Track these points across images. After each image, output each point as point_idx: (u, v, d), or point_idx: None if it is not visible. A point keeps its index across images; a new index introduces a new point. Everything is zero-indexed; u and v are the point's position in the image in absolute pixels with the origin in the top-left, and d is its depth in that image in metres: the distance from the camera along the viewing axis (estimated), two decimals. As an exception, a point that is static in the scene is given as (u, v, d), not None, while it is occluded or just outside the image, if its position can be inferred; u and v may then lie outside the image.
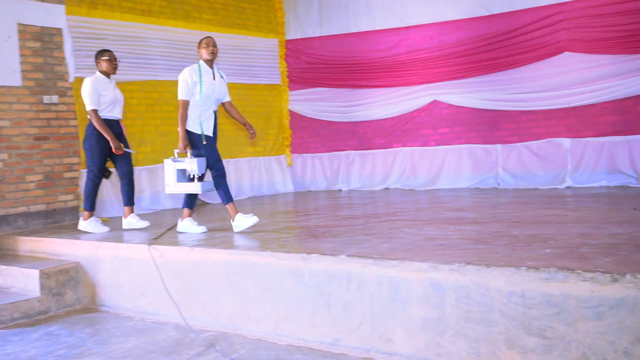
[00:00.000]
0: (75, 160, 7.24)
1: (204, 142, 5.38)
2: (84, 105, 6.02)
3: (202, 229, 5.58)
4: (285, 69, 9.94)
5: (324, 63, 9.48)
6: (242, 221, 5.36)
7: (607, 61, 7.39)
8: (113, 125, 5.97)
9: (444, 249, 3.95)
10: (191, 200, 5.65)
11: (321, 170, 9.91)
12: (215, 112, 5.52)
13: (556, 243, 3.93)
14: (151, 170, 8.07)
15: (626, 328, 2.96)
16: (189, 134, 5.40)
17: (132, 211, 6.11)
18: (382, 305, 3.78)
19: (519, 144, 8.11)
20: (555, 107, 7.80)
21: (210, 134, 5.45)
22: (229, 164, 9.09)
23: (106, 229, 6.02)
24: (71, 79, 7.13)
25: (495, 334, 3.34)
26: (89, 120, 5.89)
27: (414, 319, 3.64)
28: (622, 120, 7.43)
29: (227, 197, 5.43)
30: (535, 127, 8.00)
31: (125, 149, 6.04)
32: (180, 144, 5.35)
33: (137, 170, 7.83)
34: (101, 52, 6.00)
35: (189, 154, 5.40)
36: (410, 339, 3.65)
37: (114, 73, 6.03)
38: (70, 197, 7.21)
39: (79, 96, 6.64)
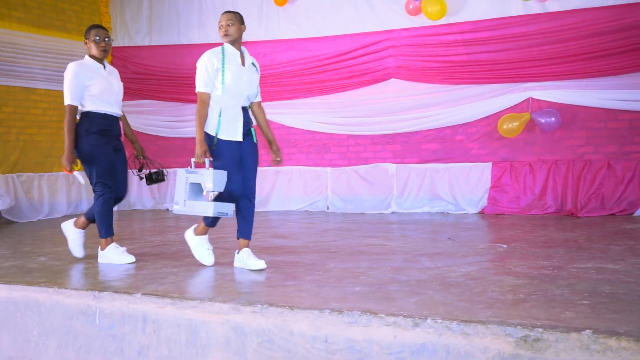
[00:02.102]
0: None
1: (213, 147, 4.11)
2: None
3: (210, 260, 4.37)
4: (111, 78, 9.24)
5: (152, 74, 8.94)
6: (250, 260, 4.22)
7: (430, 90, 7.62)
8: (108, 124, 4.47)
9: (251, 287, 3.66)
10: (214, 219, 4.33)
11: (148, 188, 9.30)
12: (245, 110, 4.22)
13: (367, 279, 3.80)
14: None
15: (425, 376, 2.83)
16: (206, 137, 4.12)
17: (111, 241, 4.68)
18: (180, 351, 3.39)
19: (347, 168, 8.12)
20: (382, 132, 7.90)
21: (238, 138, 4.14)
22: (42, 179, 8.26)
23: (131, 258, 4.59)
24: None
25: (298, 382, 3.09)
26: (78, 120, 4.50)
27: (214, 365, 3.30)
28: (442, 148, 7.68)
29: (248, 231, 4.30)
30: (363, 151, 8.05)
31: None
32: (198, 149, 4.05)
33: None
34: (88, 30, 4.53)
35: (207, 164, 4.11)
36: (208, 389, 3.31)
37: (104, 57, 4.53)
38: None
39: None
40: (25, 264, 4.65)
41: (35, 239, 6.22)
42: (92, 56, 4.52)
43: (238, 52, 4.19)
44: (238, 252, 4.30)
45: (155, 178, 4.89)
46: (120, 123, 4.61)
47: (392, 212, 7.76)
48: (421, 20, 7.53)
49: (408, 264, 4.29)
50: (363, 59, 7.87)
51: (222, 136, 4.10)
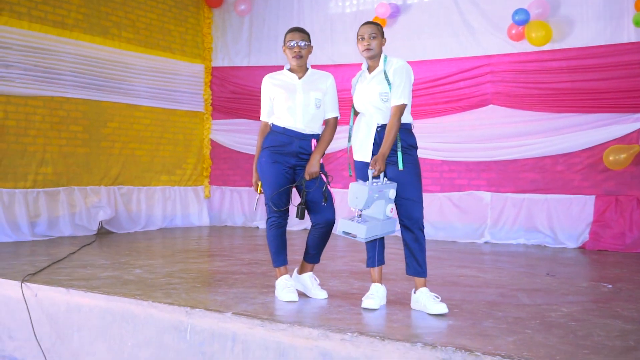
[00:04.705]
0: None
1: (350, 174, 3.99)
2: None
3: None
4: (210, 97, 9.54)
5: (249, 94, 9.12)
6: (429, 302, 3.65)
7: (530, 118, 7.33)
8: (283, 140, 3.96)
9: (340, 313, 3.59)
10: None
11: (239, 205, 9.48)
12: (377, 129, 3.75)
13: (460, 313, 3.64)
14: (50, 194, 7.45)
15: (524, 422, 2.66)
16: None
17: (311, 269, 4.17)
18: (267, 373, 3.37)
19: (440, 194, 7.92)
20: (478, 159, 7.67)
21: (365, 158, 3.78)
22: (140, 192, 8.58)
23: (293, 296, 3.93)
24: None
25: (385, 416, 2.99)
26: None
27: (300, 391, 3.25)
28: (541, 179, 7.35)
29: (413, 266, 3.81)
30: (457, 178, 7.84)
31: (308, 187, 3.96)
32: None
33: (33, 192, 7.22)
34: (285, 34, 4.05)
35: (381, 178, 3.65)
36: (294, 415, 3.26)
37: (298, 64, 3.96)
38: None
39: None
40: (122, 275, 4.79)
41: (131, 250, 6.44)
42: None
43: (366, 69, 3.85)
44: (414, 292, 3.79)
45: (301, 214, 4.00)
46: (313, 141, 4.00)
47: (485, 242, 7.49)
48: (524, 46, 7.27)
49: (504, 299, 4.09)
50: (460, 84, 7.70)
51: (355, 157, 3.89)
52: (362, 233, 3.58)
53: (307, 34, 4.04)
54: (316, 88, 3.99)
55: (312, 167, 3.93)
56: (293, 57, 3.95)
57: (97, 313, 4.10)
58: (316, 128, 4.02)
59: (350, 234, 3.62)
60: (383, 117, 3.73)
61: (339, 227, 3.66)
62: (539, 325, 3.34)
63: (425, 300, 3.65)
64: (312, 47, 4.04)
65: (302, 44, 3.95)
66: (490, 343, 2.95)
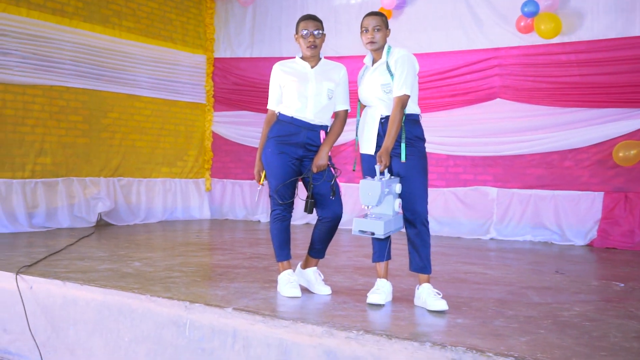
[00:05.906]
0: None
1: (354, 168, 3.86)
2: None
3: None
4: (212, 88, 9.41)
5: (252, 85, 9.00)
6: (430, 299, 3.55)
7: (538, 112, 7.18)
8: (290, 130, 3.82)
9: (345, 310, 3.47)
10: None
11: (241, 198, 9.36)
12: (380, 121, 3.64)
13: (469, 311, 3.52)
14: (48, 185, 7.33)
15: None
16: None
17: (316, 264, 4.03)
18: (268, 371, 3.25)
19: (445, 189, 7.79)
20: (484, 154, 7.53)
21: (369, 150, 3.67)
22: (140, 184, 8.46)
23: (296, 292, 3.82)
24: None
25: (392, 418, 2.87)
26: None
27: (303, 390, 3.13)
28: (548, 174, 7.21)
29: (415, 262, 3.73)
30: (462, 173, 7.71)
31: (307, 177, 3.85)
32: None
33: (31, 183, 7.10)
34: (297, 23, 3.87)
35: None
36: (296, 415, 3.14)
37: (312, 54, 3.81)
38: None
39: None
40: (120, 268, 4.68)
41: (130, 242, 6.32)
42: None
43: (371, 60, 3.74)
44: (417, 288, 3.69)
45: (310, 208, 3.88)
46: (322, 132, 3.86)
47: (491, 239, 7.36)
48: (532, 39, 7.12)
49: (513, 297, 3.97)
50: (467, 77, 7.55)
51: (361, 149, 3.77)
52: (381, 229, 3.42)
53: (321, 22, 3.90)
54: (329, 78, 3.86)
55: (321, 159, 3.80)
56: (307, 47, 3.80)
57: (94, 307, 3.98)
58: (325, 119, 3.89)
59: (366, 232, 3.46)
60: (387, 108, 3.63)
61: (354, 227, 3.48)
62: (552, 325, 3.22)
63: (426, 296, 3.56)
64: (325, 35, 3.90)
65: (317, 33, 3.81)
66: (502, 343, 2.83)
